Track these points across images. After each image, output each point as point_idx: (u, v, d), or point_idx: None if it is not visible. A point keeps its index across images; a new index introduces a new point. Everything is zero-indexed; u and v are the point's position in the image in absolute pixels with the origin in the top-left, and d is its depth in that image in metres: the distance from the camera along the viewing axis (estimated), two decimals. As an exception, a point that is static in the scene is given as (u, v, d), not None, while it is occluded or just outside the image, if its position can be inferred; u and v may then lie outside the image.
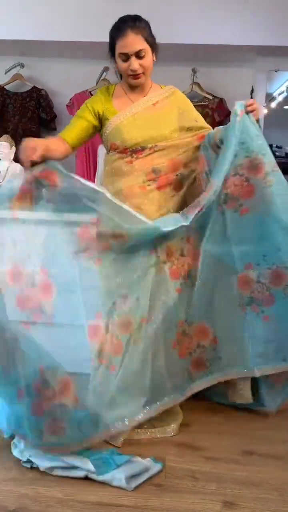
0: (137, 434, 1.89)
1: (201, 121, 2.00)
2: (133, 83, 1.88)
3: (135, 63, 1.79)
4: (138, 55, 1.78)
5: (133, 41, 1.76)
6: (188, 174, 1.99)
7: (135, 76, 1.83)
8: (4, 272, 1.72)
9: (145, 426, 1.91)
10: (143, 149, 1.88)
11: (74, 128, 1.90)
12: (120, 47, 1.79)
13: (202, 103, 3.46)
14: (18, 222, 1.73)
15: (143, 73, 1.83)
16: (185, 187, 2.00)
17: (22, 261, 1.72)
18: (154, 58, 1.87)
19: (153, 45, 1.83)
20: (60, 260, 1.75)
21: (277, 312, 1.87)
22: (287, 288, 1.86)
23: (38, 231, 1.75)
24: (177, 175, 1.96)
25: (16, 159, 2.83)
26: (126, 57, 1.80)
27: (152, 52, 1.84)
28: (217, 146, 1.88)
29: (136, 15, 1.82)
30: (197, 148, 1.97)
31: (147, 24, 1.82)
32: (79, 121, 1.91)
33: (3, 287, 1.71)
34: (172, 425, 1.94)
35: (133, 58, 1.79)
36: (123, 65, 1.82)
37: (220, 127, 1.91)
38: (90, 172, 3.41)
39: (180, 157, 1.94)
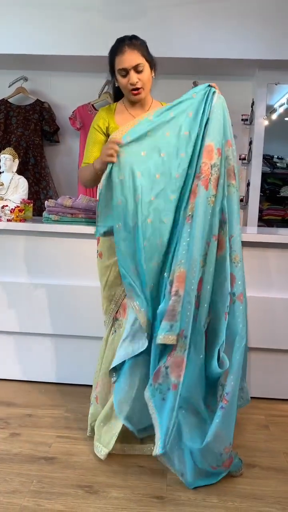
0: (131, 449, 1.89)
1: None
2: (133, 99, 1.91)
3: (133, 77, 1.83)
4: (136, 69, 1.83)
5: (131, 56, 1.81)
6: None
7: (135, 90, 1.86)
8: None
9: (143, 440, 1.91)
10: None
11: (97, 150, 1.93)
12: (118, 63, 1.84)
13: (203, 116, 3.49)
14: None
15: (142, 88, 1.87)
16: None
17: None
18: (153, 75, 1.91)
19: (151, 62, 1.88)
20: None
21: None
22: None
23: None
24: None
25: (19, 171, 2.85)
26: (125, 72, 1.84)
27: (151, 68, 1.88)
28: None
29: (133, 35, 1.87)
30: None
31: (143, 43, 1.88)
32: (97, 143, 1.94)
33: None
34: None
35: (131, 72, 1.83)
36: (123, 81, 1.86)
37: None
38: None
39: None
